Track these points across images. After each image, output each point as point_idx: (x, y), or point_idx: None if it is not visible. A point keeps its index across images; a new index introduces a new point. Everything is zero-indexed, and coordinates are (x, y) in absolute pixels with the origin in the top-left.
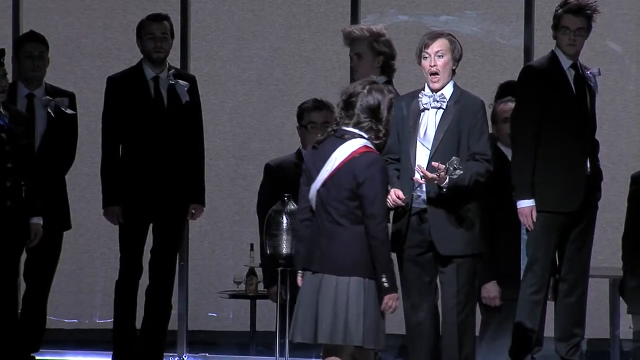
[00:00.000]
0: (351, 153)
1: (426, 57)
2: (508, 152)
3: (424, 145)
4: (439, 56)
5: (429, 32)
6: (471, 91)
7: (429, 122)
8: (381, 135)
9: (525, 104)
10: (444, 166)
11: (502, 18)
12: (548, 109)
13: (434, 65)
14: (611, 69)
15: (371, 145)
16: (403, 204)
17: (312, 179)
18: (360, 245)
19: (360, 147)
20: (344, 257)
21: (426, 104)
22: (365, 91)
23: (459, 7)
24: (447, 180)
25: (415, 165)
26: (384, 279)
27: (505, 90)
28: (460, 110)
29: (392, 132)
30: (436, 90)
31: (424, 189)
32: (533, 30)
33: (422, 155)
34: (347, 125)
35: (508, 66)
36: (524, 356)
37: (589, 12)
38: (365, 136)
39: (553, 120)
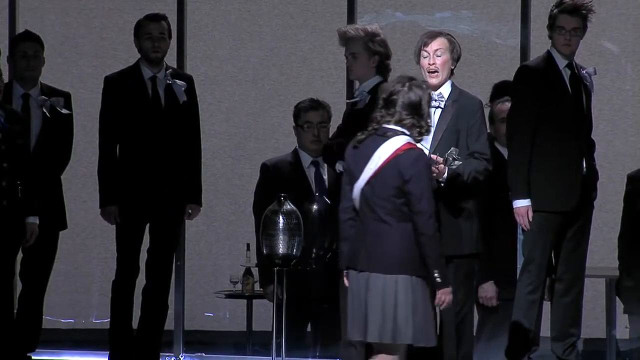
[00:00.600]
0: (395, 150)
1: (425, 56)
2: (505, 152)
3: (422, 145)
4: (438, 55)
5: (427, 32)
6: (467, 91)
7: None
8: (423, 130)
9: (521, 104)
10: (442, 159)
11: (499, 18)
12: (544, 109)
13: (433, 64)
14: (607, 68)
15: (414, 142)
16: None
17: (354, 178)
18: (407, 242)
19: (404, 144)
20: (391, 255)
21: None
22: (406, 88)
23: (455, 6)
24: (445, 173)
25: None
26: (436, 274)
27: (499, 90)
28: (459, 109)
29: None
30: (435, 89)
31: None
32: (529, 30)
33: None
34: (388, 123)
35: (505, 66)
36: (521, 356)
37: (584, 12)
38: (408, 133)
39: (549, 120)
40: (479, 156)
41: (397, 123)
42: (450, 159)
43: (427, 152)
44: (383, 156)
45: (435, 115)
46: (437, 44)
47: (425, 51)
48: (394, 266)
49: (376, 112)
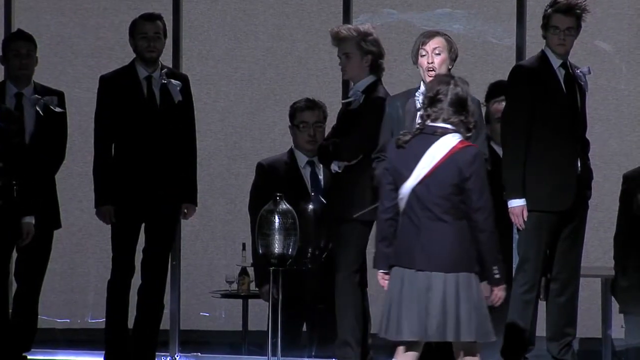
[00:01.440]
0: (451, 149)
1: (424, 55)
2: (501, 152)
3: None
4: (437, 54)
5: (425, 31)
6: None
7: None
8: (471, 126)
9: (515, 104)
10: None
11: (494, 17)
12: (538, 109)
13: (432, 62)
14: (602, 68)
15: (464, 139)
16: None
17: (401, 178)
18: (464, 240)
19: (459, 142)
20: (451, 253)
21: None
22: (451, 85)
23: (451, 6)
24: None
25: None
26: (495, 271)
27: (494, 89)
28: None
29: (385, 131)
30: None
31: None
32: (525, 30)
33: None
34: (435, 121)
35: (500, 66)
36: (517, 356)
37: (578, 11)
38: (457, 130)
39: (544, 119)
40: None
41: (445, 121)
42: None
43: None
44: (437, 155)
45: None
46: (435, 43)
47: (424, 50)
48: (455, 264)
49: (421, 111)
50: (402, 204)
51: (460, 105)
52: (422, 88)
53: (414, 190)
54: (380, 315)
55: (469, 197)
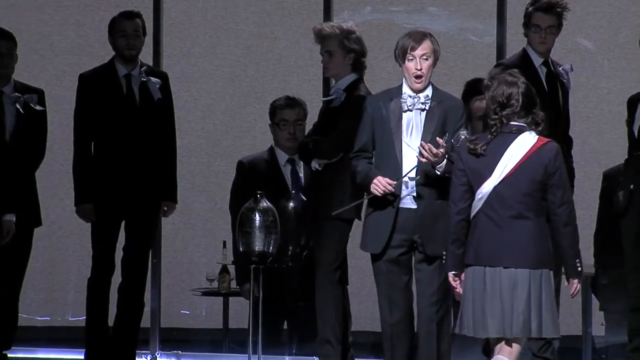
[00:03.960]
0: (532, 146)
1: (411, 59)
2: None
3: (409, 147)
4: (425, 59)
5: (412, 33)
6: (443, 89)
7: (414, 124)
8: (539, 120)
9: None
10: (442, 143)
11: (475, 15)
12: None
13: (420, 69)
14: (583, 66)
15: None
16: (393, 189)
17: (479, 178)
18: (546, 237)
19: (538, 139)
20: (536, 250)
21: (410, 105)
22: (519, 82)
23: (431, 4)
24: (444, 161)
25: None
26: (578, 263)
27: (472, 87)
28: (445, 111)
29: (366, 130)
30: (418, 92)
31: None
32: (505, 28)
33: (409, 157)
34: (511, 120)
35: (480, 63)
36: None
37: (559, 9)
38: (531, 128)
39: None
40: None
41: (520, 119)
42: (463, 137)
43: (415, 154)
44: (518, 153)
45: (421, 117)
46: (424, 49)
47: (412, 55)
48: (540, 261)
49: (492, 113)
50: (479, 204)
51: (530, 103)
52: (407, 90)
53: (496, 190)
54: (460, 313)
55: (554, 192)
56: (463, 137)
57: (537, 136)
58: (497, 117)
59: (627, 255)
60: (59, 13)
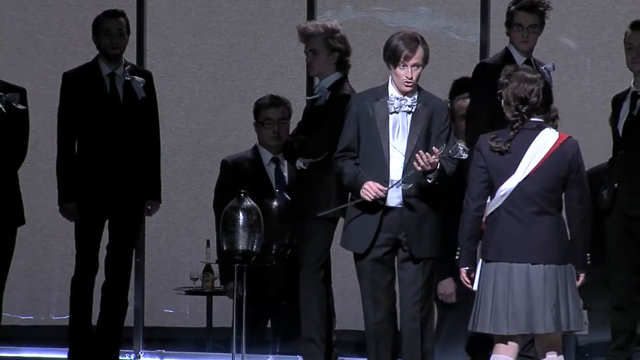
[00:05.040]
0: (556, 142)
1: (404, 67)
2: None
3: (396, 149)
4: (416, 67)
5: (405, 38)
6: (427, 88)
7: (400, 126)
8: (553, 116)
9: (479, 101)
10: (437, 152)
11: (458, 14)
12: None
13: (411, 78)
14: (566, 64)
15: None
16: (384, 195)
17: (501, 175)
18: (565, 231)
19: (560, 135)
20: (560, 245)
21: (397, 107)
22: (538, 80)
23: (415, 3)
24: (437, 168)
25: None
26: (588, 257)
27: (458, 86)
28: (432, 113)
29: (351, 129)
30: (405, 94)
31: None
32: (489, 27)
33: (396, 159)
34: (531, 117)
35: (464, 62)
36: (481, 352)
37: (541, 8)
38: (549, 124)
39: None
40: (449, 159)
41: (539, 115)
42: (461, 148)
43: (402, 156)
44: (542, 149)
45: (407, 119)
46: (417, 57)
47: (404, 64)
48: (565, 255)
49: (510, 111)
50: (500, 201)
51: (548, 99)
52: (394, 91)
53: (520, 186)
54: (476, 310)
55: (575, 188)
56: (461, 148)
57: (558, 132)
58: (518, 113)
59: (611, 254)
60: (43, 12)
